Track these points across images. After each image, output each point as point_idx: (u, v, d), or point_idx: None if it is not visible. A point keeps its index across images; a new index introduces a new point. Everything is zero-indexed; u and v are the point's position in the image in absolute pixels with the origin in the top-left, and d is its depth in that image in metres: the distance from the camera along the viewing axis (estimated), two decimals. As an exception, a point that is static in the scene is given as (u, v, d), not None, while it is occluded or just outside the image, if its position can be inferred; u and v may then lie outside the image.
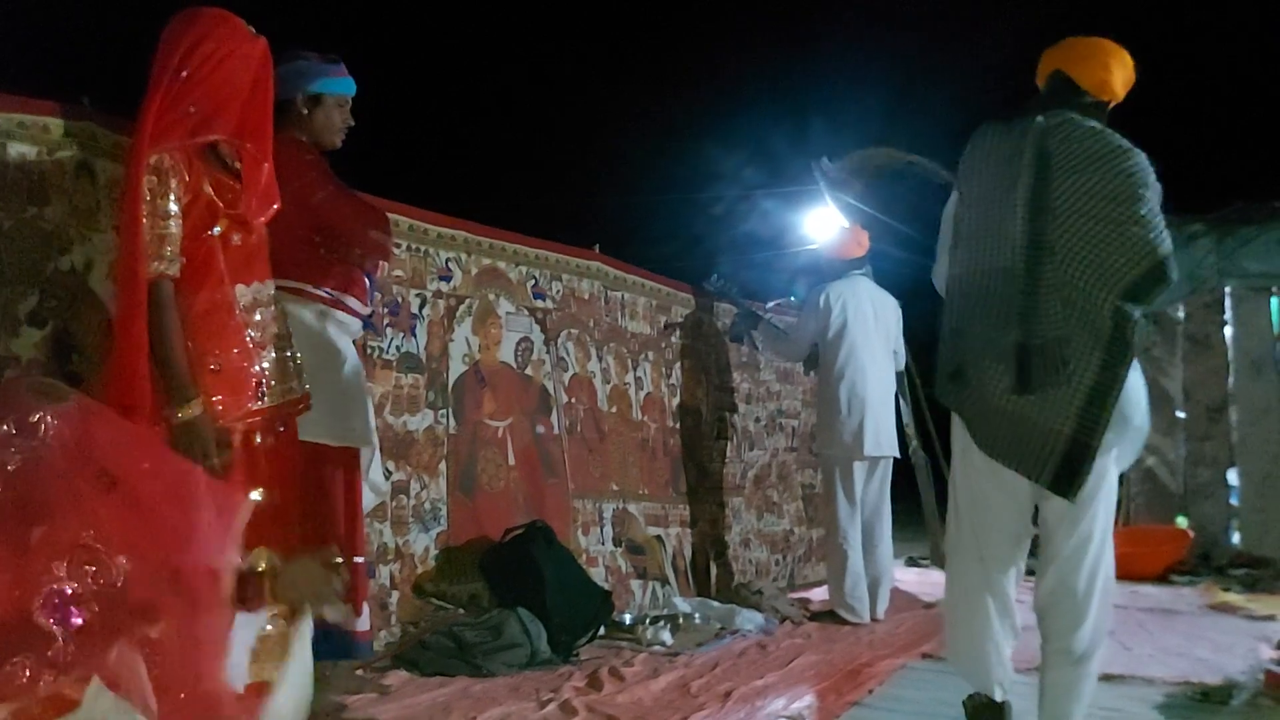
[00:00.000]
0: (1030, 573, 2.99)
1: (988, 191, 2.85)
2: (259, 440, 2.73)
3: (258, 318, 2.76)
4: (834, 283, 5.63)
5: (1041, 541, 2.90)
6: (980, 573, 2.90)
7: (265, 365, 2.75)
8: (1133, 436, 2.80)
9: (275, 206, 2.82)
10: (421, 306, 4.56)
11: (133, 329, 2.50)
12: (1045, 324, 2.68)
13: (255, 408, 2.72)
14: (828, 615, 5.41)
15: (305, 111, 3.23)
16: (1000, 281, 2.76)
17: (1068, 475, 2.69)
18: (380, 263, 3.72)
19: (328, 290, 3.20)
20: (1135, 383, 2.74)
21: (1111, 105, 2.92)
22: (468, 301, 4.81)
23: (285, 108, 3.15)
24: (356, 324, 3.37)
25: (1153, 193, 2.69)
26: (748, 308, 6.27)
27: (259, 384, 2.74)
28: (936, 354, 3.01)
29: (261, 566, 2.64)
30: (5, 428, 1.88)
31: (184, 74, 2.59)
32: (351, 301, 3.30)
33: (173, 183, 2.56)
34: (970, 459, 2.90)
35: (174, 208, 2.56)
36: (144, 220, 2.51)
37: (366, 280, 3.39)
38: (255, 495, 2.67)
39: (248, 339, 2.72)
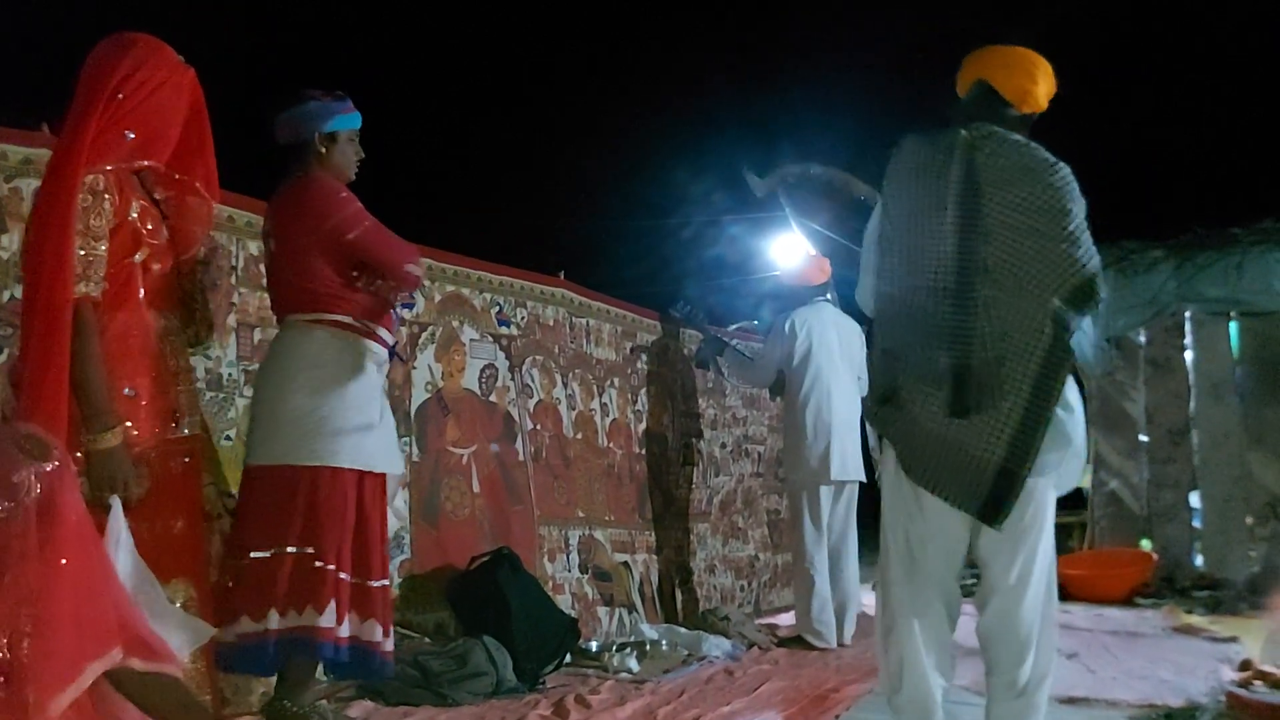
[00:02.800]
0: (969, 594, 2.88)
1: (915, 208, 2.73)
2: (172, 469, 2.71)
3: (169, 347, 2.76)
4: (799, 309, 5.66)
5: (981, 571, 2.78)
6: (914, 606, 2.74)
7: (179, 394, 2.76)
8: (1072, 459, 2.70)
9: (196, 246, 2.87)
10: (385, 333, 4.53)
11: (55, 352, 2.43)
12: (980, 345, 2.57)
13: (172, 437, 2.71)
14: (795, 641, 5.41)
15: (323, 150, 3.29)
16: (933, 301, 2.64)
17: (994, 504, 2.58)
18: (409, 293, 3.82)
19: (364, 322, 3.27)
20: (1074, 401, 2.67)
21: (1035, 117, 2.83)
22: (431, 329, 4.79)
23: (304, 148, 3.25)
24: (384, 353, 3.43)
25: (1079, 207, 2.60)
26: (713, 333, 6.30)
27: (175, 412, 2.73)
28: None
29: (180, 598, 2.62)
30: None
31: (120, 97, 2.59)
32: (382, 332, 3.36)
33: (105, 204, 2.56)
34: (900, 487, 2.77)
35: (104, 230, 2.55)
36: (75, 240, 2.48)
37: (392, 311, 3.45)
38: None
39: (163, 366, 2.71)
